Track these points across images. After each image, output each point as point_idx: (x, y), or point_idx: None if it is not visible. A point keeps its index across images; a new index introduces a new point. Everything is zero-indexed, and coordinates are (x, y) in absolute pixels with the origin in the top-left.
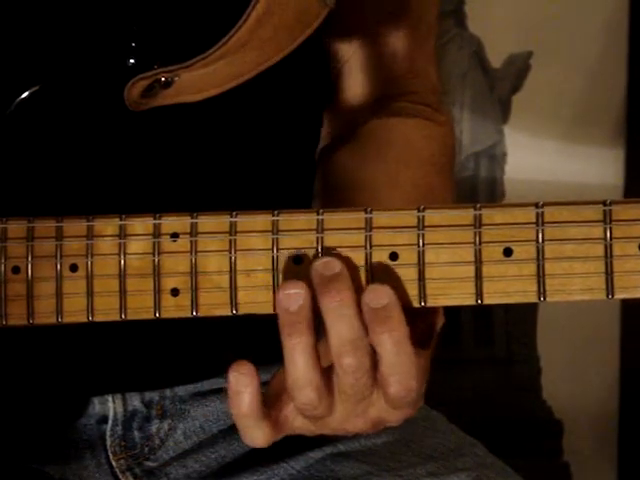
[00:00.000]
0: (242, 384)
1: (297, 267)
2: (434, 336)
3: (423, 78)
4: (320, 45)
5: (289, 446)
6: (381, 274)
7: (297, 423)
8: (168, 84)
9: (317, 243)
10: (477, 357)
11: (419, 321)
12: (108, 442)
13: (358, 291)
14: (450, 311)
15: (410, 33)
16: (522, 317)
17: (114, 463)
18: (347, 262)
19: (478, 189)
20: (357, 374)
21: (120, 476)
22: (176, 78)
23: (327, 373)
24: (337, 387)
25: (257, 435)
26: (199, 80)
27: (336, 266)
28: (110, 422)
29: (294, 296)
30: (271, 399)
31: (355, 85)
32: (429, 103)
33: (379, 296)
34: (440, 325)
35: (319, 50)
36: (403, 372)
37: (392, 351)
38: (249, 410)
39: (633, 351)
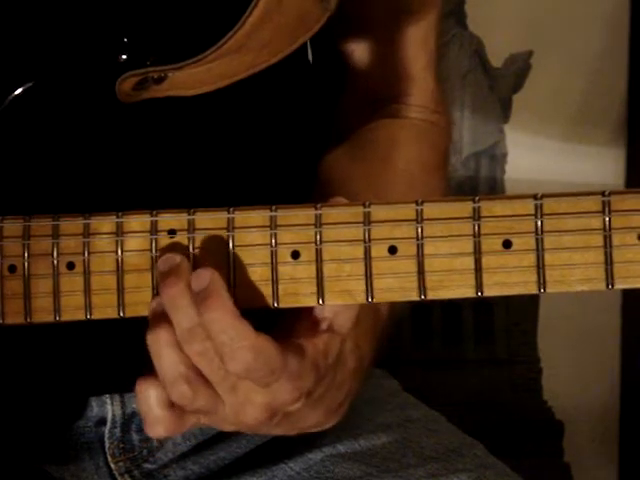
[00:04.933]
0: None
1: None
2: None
3: (420, 80)
4: (328, 45)
5: (288, 447)
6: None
7: (202, 420)
8: (161, 79)
9: (315, 238)
10: (477, 357)
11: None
12: (107, 444)
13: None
14: (451, 311)
15: (409, 35)
16: (523, 317)
17: (113, 465)
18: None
19: (478, 189)
20: (206, 359)
21: (119, 478)
22: (169, 74)
23: None
24: None
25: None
26: (192, 77)
27: (175, 260)
28: (109, 424)
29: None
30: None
31: (350, 86)
32: (426, 105)
33: (200, 279)
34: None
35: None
36: (234, 348)
37: (218, 329)
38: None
39: (634, 351)
